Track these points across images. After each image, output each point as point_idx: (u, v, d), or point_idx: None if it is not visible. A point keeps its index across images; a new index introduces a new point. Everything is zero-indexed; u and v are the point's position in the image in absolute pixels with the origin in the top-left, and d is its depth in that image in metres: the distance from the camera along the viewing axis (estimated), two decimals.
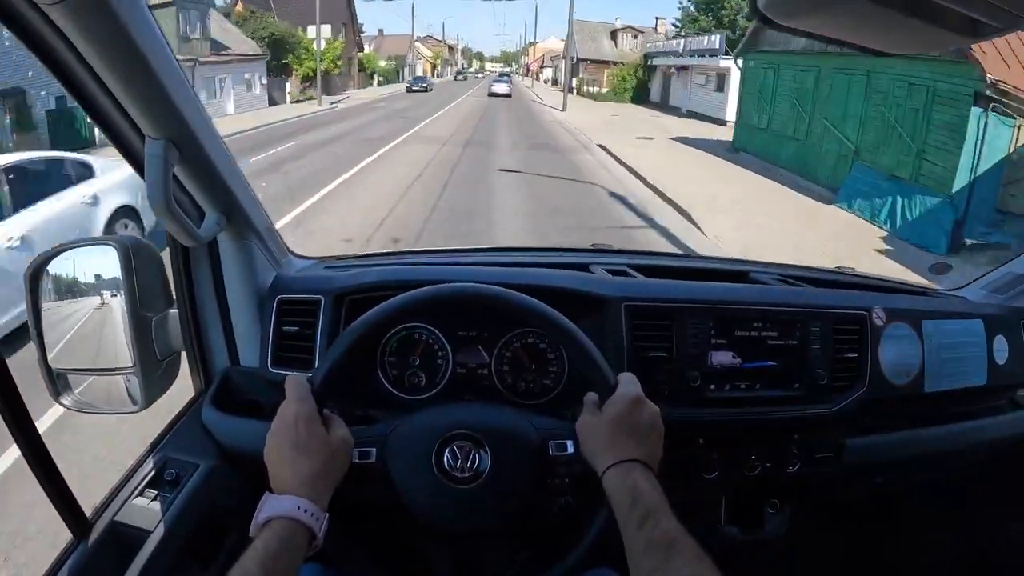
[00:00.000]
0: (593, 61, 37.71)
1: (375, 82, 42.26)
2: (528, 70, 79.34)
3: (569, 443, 0.79)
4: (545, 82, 58.12)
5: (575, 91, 33.54)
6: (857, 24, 0.57)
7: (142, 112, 0.72)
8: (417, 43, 64.80)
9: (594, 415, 0.77)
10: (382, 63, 46.32)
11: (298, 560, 0.64)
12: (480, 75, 61.82)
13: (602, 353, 0.80)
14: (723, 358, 1.03)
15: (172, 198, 0.77)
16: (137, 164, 0.79)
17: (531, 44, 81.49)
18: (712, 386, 1.02)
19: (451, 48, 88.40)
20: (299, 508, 0.64)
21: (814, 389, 1.06)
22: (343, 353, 0.77)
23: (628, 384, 0.77)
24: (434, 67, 67.44)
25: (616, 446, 0.72)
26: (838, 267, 1.50)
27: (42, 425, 2.71)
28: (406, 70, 51.70)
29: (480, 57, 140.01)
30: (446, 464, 0.78)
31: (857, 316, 1.11)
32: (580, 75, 36.45)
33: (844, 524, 1.48)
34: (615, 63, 35.28)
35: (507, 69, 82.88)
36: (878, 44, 0.78)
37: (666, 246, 6.60)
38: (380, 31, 58.13)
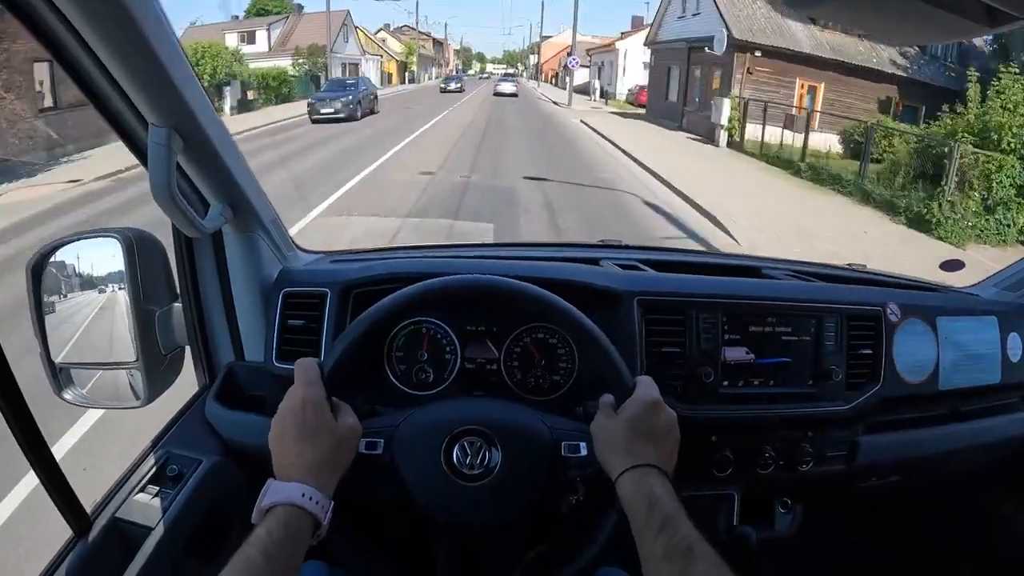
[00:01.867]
0: (772, 53, 14.23)
1: (227, 108, 18.04)
2: (541, 71, 59.04)
3: (582, 445, 0.77)
4: (591, 97, 30.50)
5: (728, 135, 13.11)
6: (875, 12, 0.56)
7: (146, 99, 0.70)
8: (383, 34, 44.69)
9: (610, 417, 0.75)
10: (273, 66, 22.01)
11: (302, 548, 0.62)
12: (453, 83, 34.66)
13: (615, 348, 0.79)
14: (736, 354, 1.01)
15: (176, 188, 0.75)
16: (140, 153, 0.77)
17: (544, 39, 60.14)
18: (725, 382, 1.01)
19: (437, 42, 64.54)
20: (303, 495, 0.63)
21: (828, 386, 1.05)
22: (356, 339, 0.75)
23: (647, 387, 0.75)
24: (405, 68, 43.63)
25: (631, 450, 0.70)
26: (849, 264, 1.48)
27: None
28: (321, 77, 24.48)
29: (481, 58, 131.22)
30: (455, 460, 0.76)
31: (872, 312, 1.09)
32: (740, 90, 13.84)
33: (856, 523, 1.46)
34: (832, 63, 13.88)
35: (512, 71, 71.85)
36: (896, 33, 0.77)
37: None
38: (298, 7, 30.81)
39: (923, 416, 1.18)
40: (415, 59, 47.75)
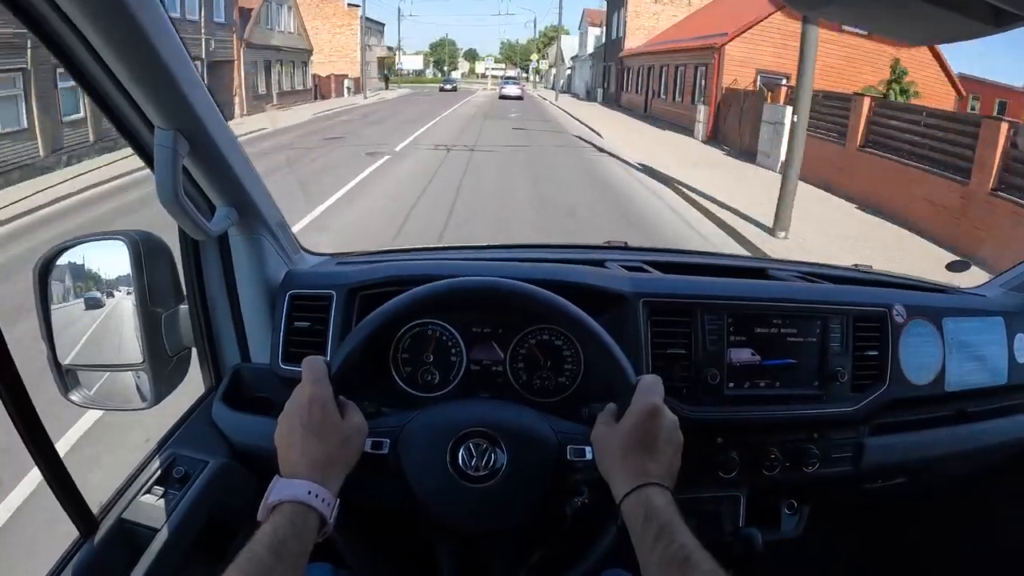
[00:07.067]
0: None
1: None
2: (625, 80, 24.03)
3: (587, 449, 0.77)
4: None
5: None
6: (877, 12, 0.55)
7: (151, 101, 0.70)
8: None
9: (609, 426, 0.73)
10: None
11: (308, 545, 0.62)
12: None
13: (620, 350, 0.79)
14: (742, 355, 1.01)
15: (182, 190, 0.75)
16: (145, 155, 0.78)
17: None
18: (731, 384, 1.00)
19: None
20: (310, 492, 0.63)
21: (834, 388, 1.04)
22: (364, 339, 0.76)
23: (647, 393, 0.73)
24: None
25: (631, 466, 0.69)
26: (855, 264, 1.48)
27: None
28: None
29: (472, 55, 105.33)
30: (461, 461, 0.76)
31: (877, 313, 1.09)
32: None
33: (862, 524, 1.46)
34: None
35: (513, 73, 50.53)
36: (897, 33, 0.76)
37: None
38: None
39: (929, 417, 1.18)
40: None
